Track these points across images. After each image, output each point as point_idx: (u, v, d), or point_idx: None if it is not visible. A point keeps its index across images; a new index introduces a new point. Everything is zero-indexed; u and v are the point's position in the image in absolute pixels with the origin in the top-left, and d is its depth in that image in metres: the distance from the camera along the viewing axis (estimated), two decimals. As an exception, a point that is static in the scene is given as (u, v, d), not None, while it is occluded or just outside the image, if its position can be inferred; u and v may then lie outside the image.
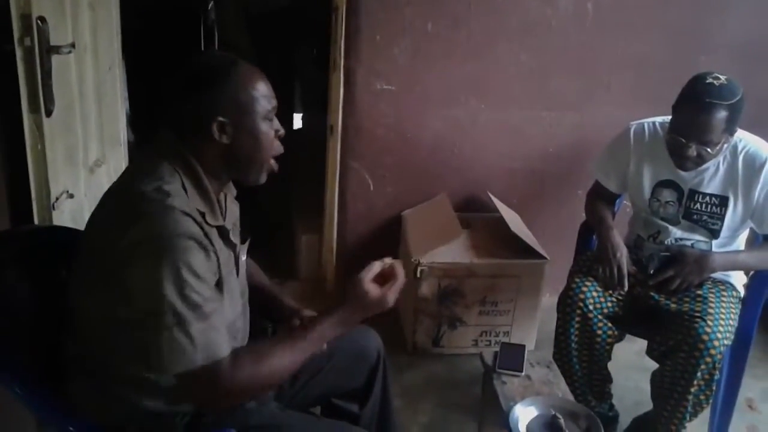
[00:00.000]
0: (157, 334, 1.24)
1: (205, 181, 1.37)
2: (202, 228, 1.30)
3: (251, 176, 1.43)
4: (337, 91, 2.86)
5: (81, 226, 1.47)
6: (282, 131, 1.43)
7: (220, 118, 1.33)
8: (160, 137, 1.38)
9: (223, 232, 1.41)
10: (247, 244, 1.55)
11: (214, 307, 1.29)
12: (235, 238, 1.47)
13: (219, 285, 1.35)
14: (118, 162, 2.51)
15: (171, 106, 1.37)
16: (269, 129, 1.39)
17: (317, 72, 3.72)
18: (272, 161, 1.43)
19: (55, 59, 1.87)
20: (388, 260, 1.47)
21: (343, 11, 2.74)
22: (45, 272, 1.50)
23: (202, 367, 1.25)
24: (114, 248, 1.26)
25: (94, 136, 2.30)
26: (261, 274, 1.72)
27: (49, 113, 1.87)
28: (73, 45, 1.99)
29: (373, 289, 1.42)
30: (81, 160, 2.18)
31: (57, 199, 1.98)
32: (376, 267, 1.45)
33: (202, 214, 1.33)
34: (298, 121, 4.56)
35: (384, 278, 1.45)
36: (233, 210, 1.54)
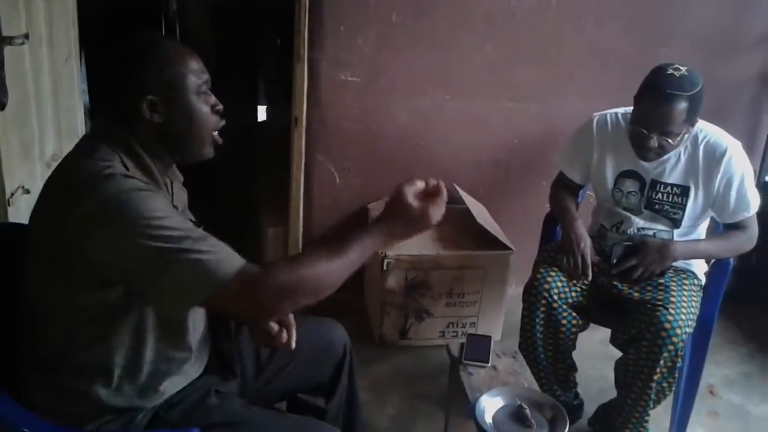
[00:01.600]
0: (162, 277, 1.17)
1: (147, 160, 1.34)
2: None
3: (193, 153, 1.39)
4: (302, 82, 2.83)
5: (37, 222, 1.43)
6: (220, 106, 1.39)
7: (150, 97, 1.30)
8: (96, 122, 1.37)
9: None
10: None
11: (202, 233, 1.24)
12: None
13: None
14: (76, 156, 2.45)
15: (101, 89, 1.35)
16: (203, 104, 1.36)
17: (281, 63, 3.69)
18: (215, 134, 1.40)
19: (8, 51, 1.82)
20: (432, 180, 1.37)
21: (307, 1, 2.70)
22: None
23: (229, 280, 1.18)
24: (65, 231, 1.22)
25: (51, 129, 2.24)
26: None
27: (2, 106, 1.82)
28: (26, 36, 1.94)
29: (416, 203, 1.32)
30: (37, 155, 2.13)
31: (12, 194, 1.93)
32: (420, 184, 1.35)
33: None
34: (262, 113, 4.51)
35: (426, 196, 1.35)
36: (181, 196, 1.51)
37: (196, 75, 1.35)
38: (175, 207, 1.39)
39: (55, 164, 2.24)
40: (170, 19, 4.01)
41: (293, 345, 1.55)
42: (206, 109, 1.37)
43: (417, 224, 1.33)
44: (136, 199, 1.21)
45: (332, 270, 1.26)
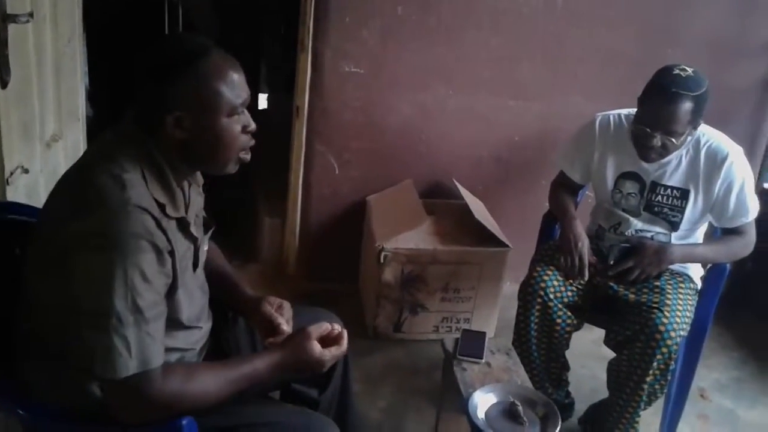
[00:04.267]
0: (94, 333, 1.21)
1: (167, 171, 1.32)
2: (159, 223, 1.26)
3: (214, 170, 1.38)
4: (305, 72, 2.83)
5: (36, 202, 1.43)
6: (252, 126, 1.36)
7: (178, 113, 1.27)
8: (124, 122, 1.33)
9: (183, 224, 1.36)
10: (209, 233, 1.52)
11: (156, 313, 1.26)
12: (197, 230, 1.43)
13: (173, 285, 1.32)
14: (75, 137, 2.44)
15: (135, 92, 1.31)
16: (233, 125, 1.32)
17: (284, 51, 3.68)
18: (242, 153, 1.37)
19: (12, 28, 1.81)
20: (337, 327, 1.51)
21: (312, -9, 2.70)
22: (-3, 248, 1.45)
23: (133, 375, 1.22)
24: (64, 235, 1.22)
25: (52, 110, 2.23)
26: (222, 259, 1.69)
27: (4, 84, 1.81)
28: (31, 14, 1.92)
29: (316, 347, 1.43)
30: (37, 135, 2.11)
31: (11, 174, 1.92)
32: (325, 327, 1.48)
33: (162, 206, 1.29)
34: (263, 101, 4.50)
35: (327, 342, 1.47)
36: (197, 201, 1.49)
37: (234, 94, 1.30)
38: (186, 221, 1.37)
39: (55, 145, 2.25)
40: (173, 4, 3.99)
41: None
42: (237, 129, 1.33)
43: (310, 365, 1.44)
44: (135, 248, 1.20)
45: (218, 391, 1.33)
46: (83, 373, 1.30)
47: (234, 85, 1.30)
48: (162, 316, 1.29)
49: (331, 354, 1.45)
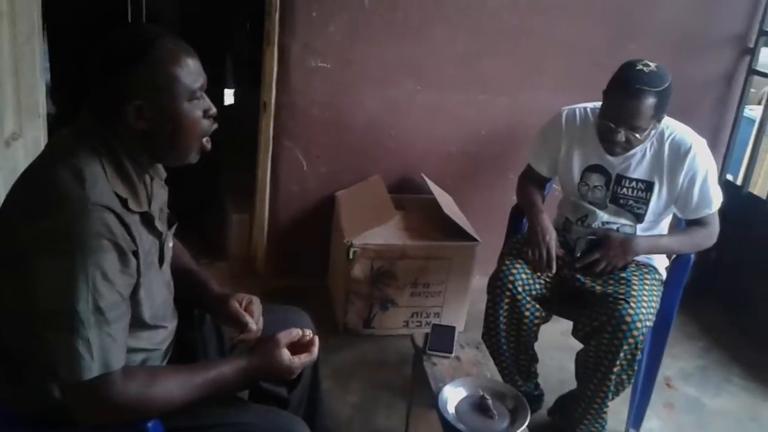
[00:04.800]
0: (55, 334, 1.19)
1: (127, 165, 1.30)
2: (122, 219, 1.24)
3: (176, 160, 1.36)
4: (271, 67, 2.80)
5: (-5, 202, 1.39)
6: (213, 110, 1.34)
7: (137, 102, 1.25)
8: (81, 117, 1.30)
9: (147, 219, 1.34)
10: (173, 229, 1.49)
11: (118, 314, 1.24)
12: (161, 225, 1.41)
13: (137, 283, 1.30)
14: (36, 136, 2.39)
15: (89, 85, 1.28)
16: (193, 110, 1.30)
17: (250, 46, 3.64)
18: (204, 141, 1.36)
19: (-33, 25, 1.76)
20: (308, 333, 1.49)
21: (279, -15, 2.67)
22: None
23: (94, 377, 1.20)
24: (23, 236, 1.19)
25: (11, 107, 2.18)
26: (187, 256, 1.67)
27: (-41, 82, 1.77)
28: (-14, 10, 1.88)
29: (286, 354, 1.42)
30: (-4, 133, 2.07)
31: (-31, 173, 1.88)
32: (296, 333, 1.47)
33: (124, 201, 1.27)
34: (229, 96, 4.46)
35: (297, 347, 1.47)
36: (160, 195, 1.46)
37: (191, 79, 1.28)
38: (150, 215, 1.35)
39: (14, 144, 2.20)
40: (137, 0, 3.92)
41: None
42: (198, 114, 1.31)
43: (279, 372, 1.44)
44: (96, 247, 1.18)
45: (182, 396, 1.31)
46: (45, 376, 1.28)
47: (190, 70, 1.29)
48: (124, 317, 1.27)
49: (300, 361, 1.45)
